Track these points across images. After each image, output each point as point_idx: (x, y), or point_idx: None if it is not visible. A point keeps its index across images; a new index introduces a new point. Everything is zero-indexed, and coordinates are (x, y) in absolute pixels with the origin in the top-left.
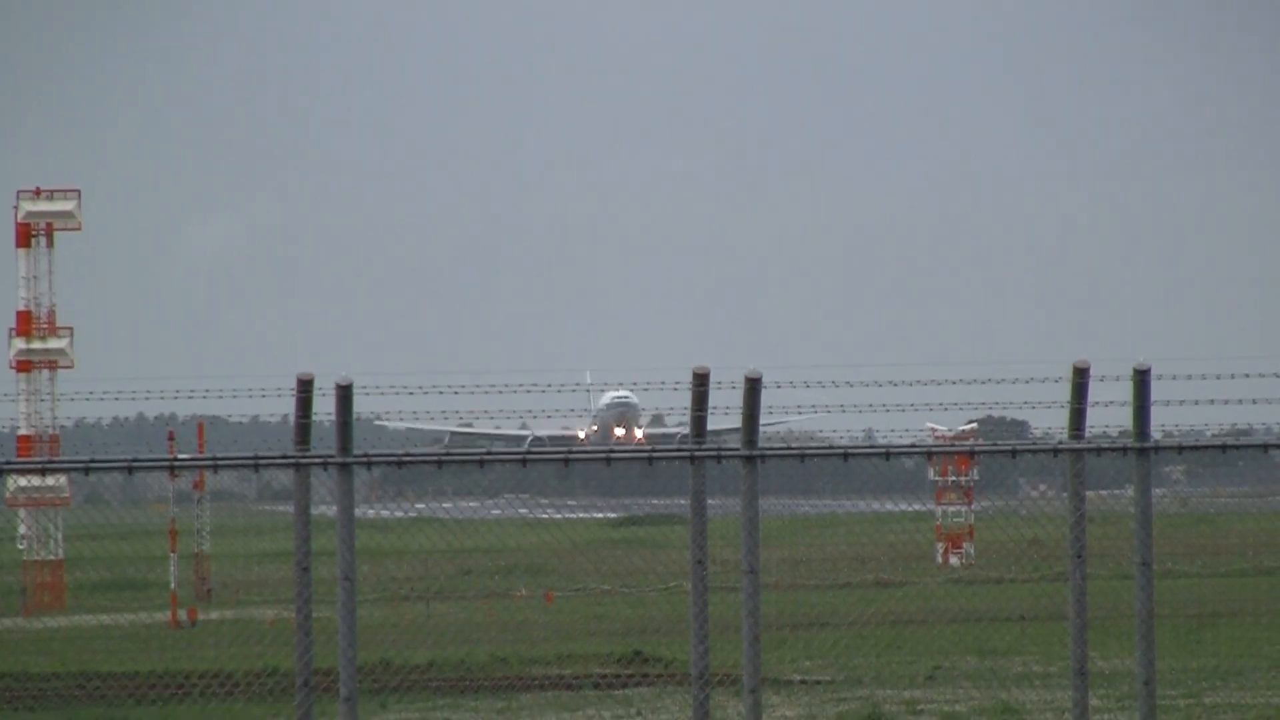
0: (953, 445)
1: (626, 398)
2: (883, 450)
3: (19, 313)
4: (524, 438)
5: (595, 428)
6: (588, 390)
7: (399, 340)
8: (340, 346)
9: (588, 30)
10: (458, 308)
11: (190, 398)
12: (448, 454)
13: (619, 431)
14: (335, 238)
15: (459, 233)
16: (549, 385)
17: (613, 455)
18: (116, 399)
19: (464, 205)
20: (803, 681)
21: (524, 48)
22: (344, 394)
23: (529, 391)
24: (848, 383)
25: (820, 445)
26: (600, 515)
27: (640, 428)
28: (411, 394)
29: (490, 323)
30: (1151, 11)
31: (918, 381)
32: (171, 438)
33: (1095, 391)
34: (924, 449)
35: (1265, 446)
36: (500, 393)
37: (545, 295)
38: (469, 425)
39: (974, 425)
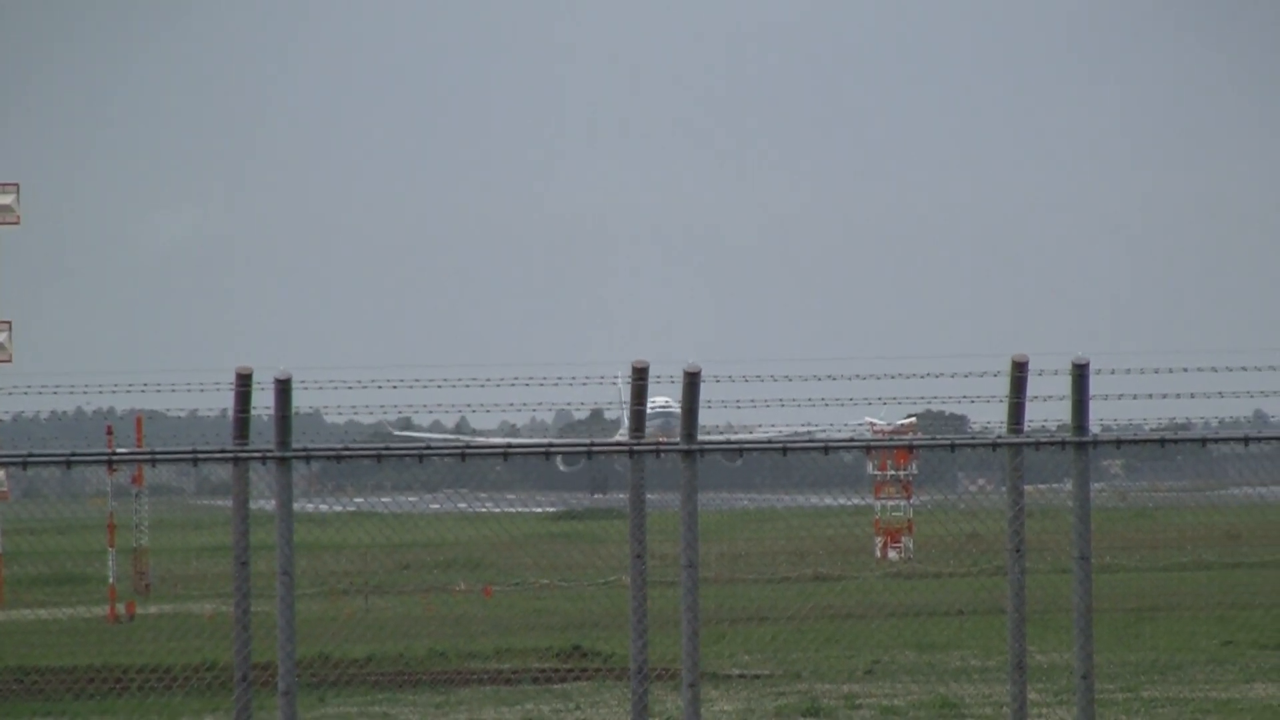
0: (891, 439)
1: (668, 405)
2: (821, 445)
3: None
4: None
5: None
6: (615, 382)
7: (348, 335)
8: (285, 341)
9: (538, 16)
10: (397, 301)
11: (129, 392)
12: (386, 448)
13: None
14: (283, 234)
15: (416, 228)
16: (488, 380)
17: (551, 450)
18: (55, 393)
19: (425, 200)
20: (741, 675)
21: (477, 40)
22: (283, 388)
23: (468, 386)
24: (786, 377)
25: (759, 440)
26: (539, 510)
27: None
28: (350, 388)
29: (436, 319)
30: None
31: (856, 376)
32: (110, 432)
33: (1034, 386)
34: (863, 443)
35: (1204, 441)
36: (439, 387)
37: (523, 290)
38: (472, 431)
39: (913, 419)
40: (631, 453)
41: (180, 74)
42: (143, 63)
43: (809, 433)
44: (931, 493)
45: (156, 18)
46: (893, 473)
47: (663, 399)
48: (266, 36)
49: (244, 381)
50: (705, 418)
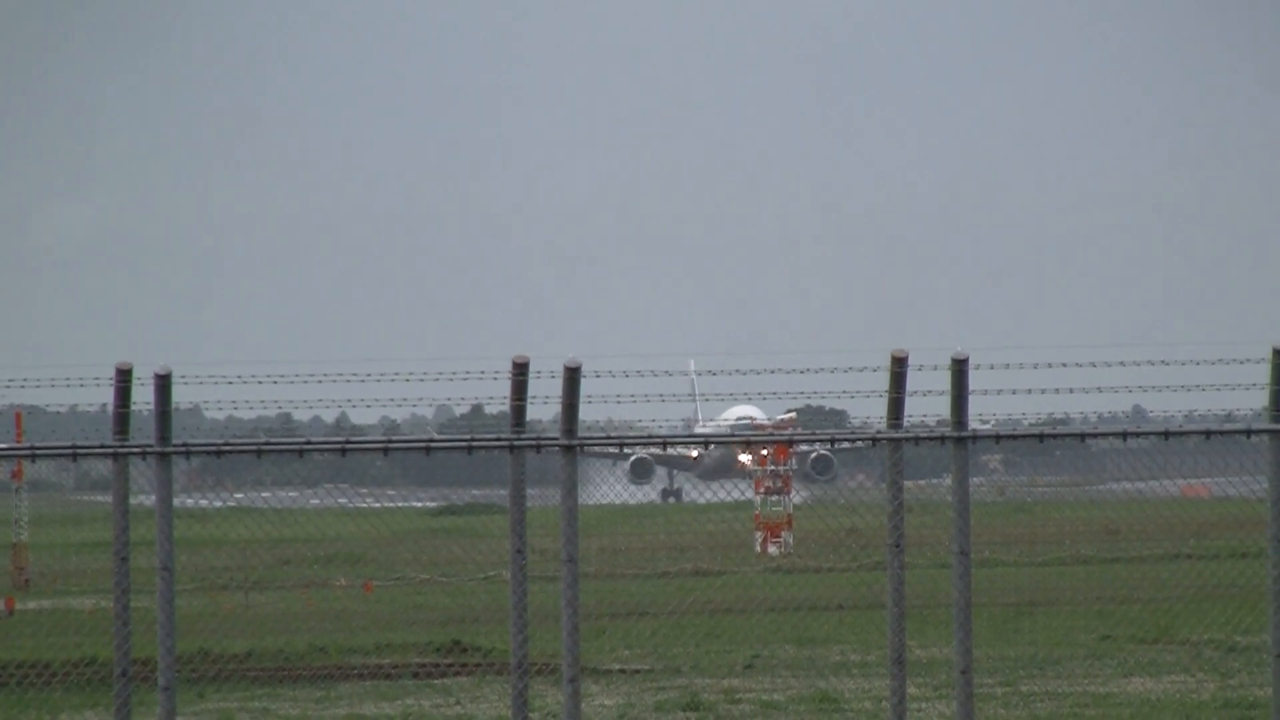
0: (771, 434)
1: (753, 419)
2: (703, 440)
3: None
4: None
5: (711, 447)
6: (693, 376)
7: (229, 331)
8: (166, 337)
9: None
10: (279, 298)
11: (8, 387)
12: (266, 443)
13: (744, 458)
14: (165, 229)
15: (303, 225)
16: (368, 375)
17: (432, 445)
18: None
19: (308, 197)
20: (621, 670)
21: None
22: (162, 383)
23: (348, 381)
24: (667, 372)
25: (639, 434)
26: (419, 505)
27: (766, 450)
28: (230, 384)
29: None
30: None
31: (736, 371)
32: None
33: (913, 381)
34: (743, 438)
35: (1082, 436)
36: (319, 382)
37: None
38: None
39: (793, 414)
40: (511, 448)
41: (88, 68)
42: (51, 54)
43: (688, 427)
44: (812, 488)
45: (56, 6)
46: (772, 467)
47: (748, 408)
48: (173, 27)
49: (124, 377)
50: (586, 413)
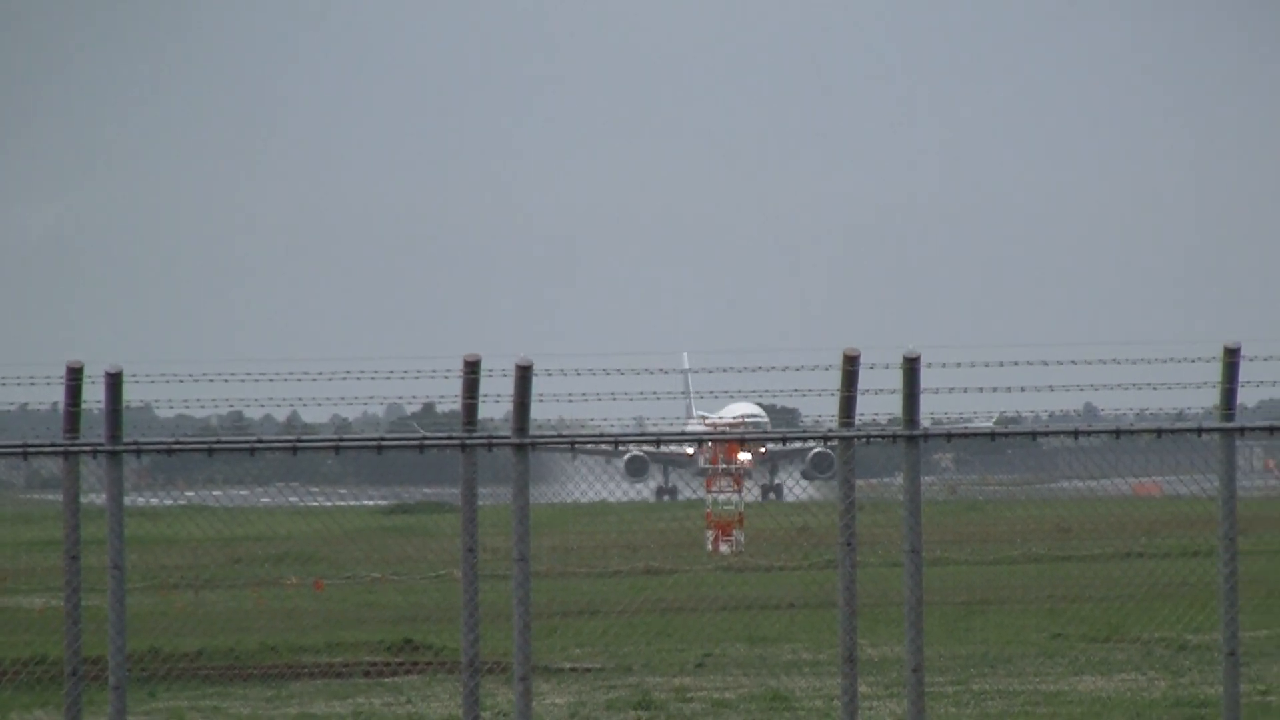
0: (724, 433)
1: (756, 416)
2: (654, 438)
3: None
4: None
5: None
6: (685, 373)
7: (180, 330)
8: (117, 335)
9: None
10: (270, 298)
11: None
12: (218, 441)
13: (744, 456)
14: (117, 229)
15: (249, 226)
16: (320, 373)
17: (384, 444)
18: None
19: (257, 196)
20: (573, 669)
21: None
22: (113, 382)
23: (299, 380)
24: (618, 370)
25: (591, 433)
26: (371, 503)
27: (765, 448)
28: (181, 382)
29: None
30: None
31: (689, 370)
32: None
33: (865, 379)
34: (695, 436)
35: (1033, 434)
36: (271, 381)
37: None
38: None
39: (744, 413)
40: (463, 446)
41: (52, 70)
42: (23, 57)
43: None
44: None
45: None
46: (724, 465)
47: (749, 406)
48: (132, 31)
49: (75, 375)
50: (538, 411)
